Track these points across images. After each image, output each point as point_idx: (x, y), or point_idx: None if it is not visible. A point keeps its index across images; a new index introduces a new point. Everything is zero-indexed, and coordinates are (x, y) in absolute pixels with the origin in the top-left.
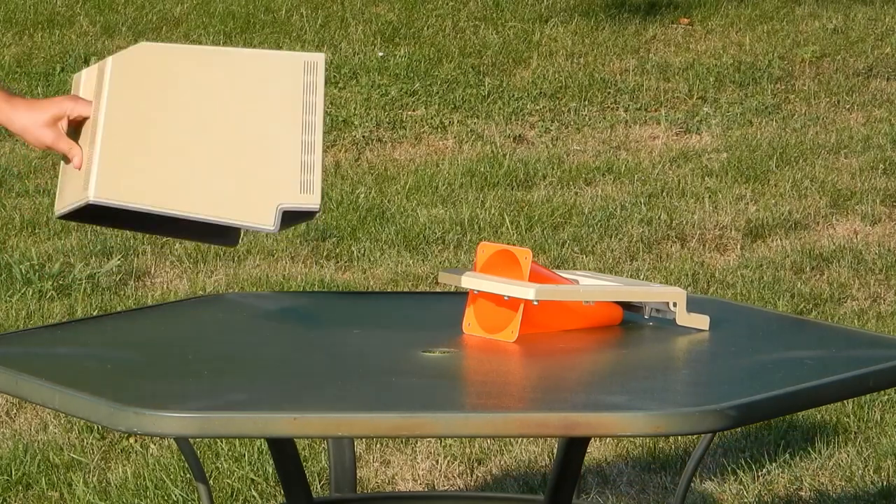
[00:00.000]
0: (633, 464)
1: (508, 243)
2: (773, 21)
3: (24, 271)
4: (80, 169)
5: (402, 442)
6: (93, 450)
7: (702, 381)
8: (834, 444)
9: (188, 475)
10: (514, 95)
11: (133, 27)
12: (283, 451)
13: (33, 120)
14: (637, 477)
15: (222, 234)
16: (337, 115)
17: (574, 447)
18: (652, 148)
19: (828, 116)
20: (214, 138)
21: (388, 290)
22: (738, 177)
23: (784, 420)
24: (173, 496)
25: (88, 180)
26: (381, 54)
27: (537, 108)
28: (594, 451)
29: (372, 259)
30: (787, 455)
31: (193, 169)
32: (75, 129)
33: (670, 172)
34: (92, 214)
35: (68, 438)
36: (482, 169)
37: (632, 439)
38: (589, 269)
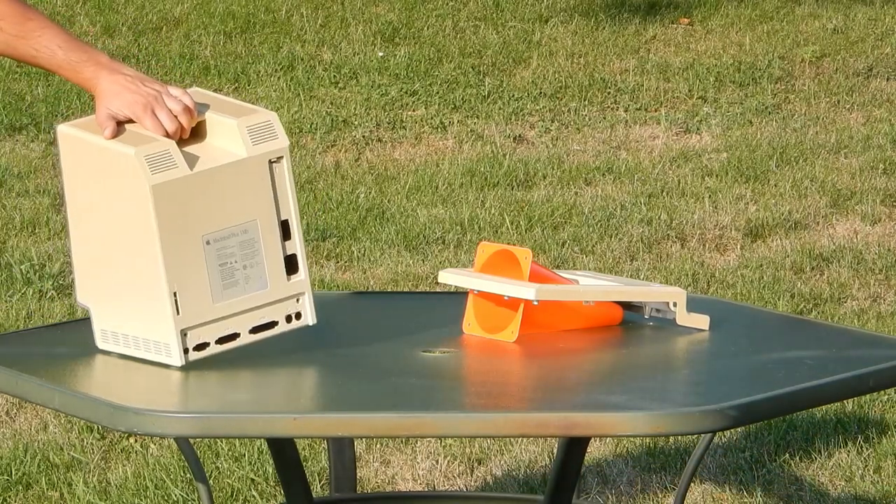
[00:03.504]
0: (633, 464)
1: (508, 243)
2: (773, 21)
3: (24, 271)
4: (109, 138)
5: (402, 442)
6: (93, 450)
7: (702, 381)
8: (834, 444)
9: (188, 475)
10: (514, 95)
11: (133, 27)
12: (283, 451)
13: (106, 104)
14: (637, 477)
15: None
16: (337, 115)
17: (574, 447)
18: (652, 148)
19: (828, 116)
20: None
21: (388, 290)
22: (738, 177)
23: (784, 420)
24: (173, 496)
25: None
26: (381, 54)
27: (537, 108)
28: (594, 451)
29: (372, 259)
30: (787, 455)
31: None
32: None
33: (670, 172)
34: None
35: (68, 438)
36: (482, 169)
37: (632, 439)
38: (589, 269)
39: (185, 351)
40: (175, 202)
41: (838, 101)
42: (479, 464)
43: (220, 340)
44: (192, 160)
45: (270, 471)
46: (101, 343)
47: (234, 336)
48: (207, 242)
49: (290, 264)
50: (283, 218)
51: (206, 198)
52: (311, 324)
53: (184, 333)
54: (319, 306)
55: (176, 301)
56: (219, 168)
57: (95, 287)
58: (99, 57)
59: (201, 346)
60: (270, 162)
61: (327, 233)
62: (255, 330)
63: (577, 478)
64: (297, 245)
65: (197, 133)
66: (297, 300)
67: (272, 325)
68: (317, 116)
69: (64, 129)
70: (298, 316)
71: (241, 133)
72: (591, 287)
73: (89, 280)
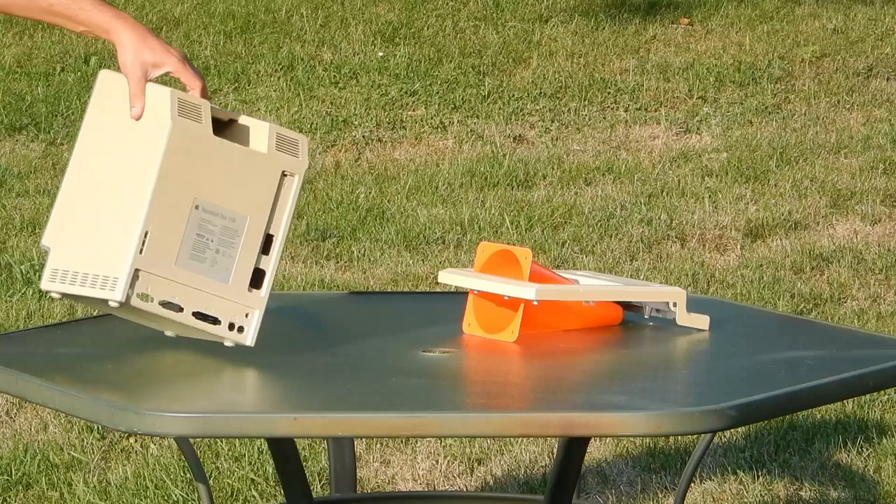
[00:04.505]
0: (633, 464)
1: (508, 243)
2: (773, 21)
3: (24, 271)
4: (137, 118)
5: (402, 442)
6: (93, 450)
7: (702, 381)
8: (834, 444)
9: (188, 475)
10: (514, 95)
11: None
12: (283, 451)
13: (134, 54)
14: (637, 477)
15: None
16: (337, 115)
17: (574, 447)
18: (652, 148)
19: (828, 116)
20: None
21: (388, 290)
22: (738, 177)
23: (784, 420)
24: (173, 496)
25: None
26: (381, 54)
27: (537, 108)
28: (594, 451)
29: (372, 259)
30: (787, 455)
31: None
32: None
33: (670, 172)
34: None
35: (68, 438)
36: (482, 169)
37: (632, 439)
38: (589, 269)
39: (130, 291)
40: (186, 152)
41: (838, 101)
42: (479, 464)
43: (164, 304)
44: (217, 132)
45: (270, 471)
46: (46, 283)
47: (178, 308)
48: (196, 207)
49: (257, 278)
50: (270, 231)
51: (214, 168)
52: (248, 344)
53: (136, 275)
54: (320, 306)
55: (144, 241)
56: (237, 147)
57: (66, 227)
58: (117, 10)
59: (145, 297)
60: (284, 173)
61: (327, 233)
62: (197, 315)
63: (577, 478)
64: (270, 264)
65: (227, 129)
66: (247, 315)
67: (215, 321)
68: (317, 116)
69: (106, 72)
70: (241, 330)
71: (269, 134)
72: (591, 287)
73: (63, 221)
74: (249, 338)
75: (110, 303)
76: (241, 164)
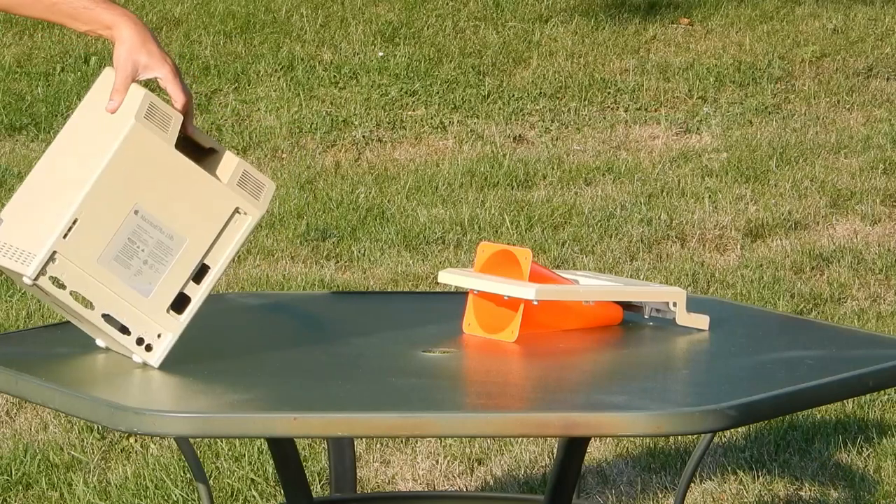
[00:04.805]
0: (633, 464)
1: (508, 243)
2: (773, 21)
3: None
4: (111, 111)
5: (402, 442)
6: (93, 450)
7: (702, 381)
8: (834, 444)
9: (188, 475)
10: (514, 95)
11: None
12: (283, 451)
13: (129, 51)
14: (637, 477)
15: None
16: (337, 115)
17: (574, 447)
18: (652, 148)
19: (828, 116)
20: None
21: (388, 290)
22: (738, 177)
23: (784, 420)
24: (173, 496)
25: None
26: (381, 54)
27: (537, 108)
28: (594, 451)
29: (372, 259)
30: (787, 455)
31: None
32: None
33: (670, 172)
34: None
35: (68, 438)
36: (482, 169)
37: (632, 439)
38: (589, 269)
39: (43, 272)
40: (139, 155)
41: (838, 101)
42: (479, 464)
43: (75, 294)
44: (193, 157)
45: (270, 471)
46: None
47: (89, 304)
48: (136, 212)
49: (181, 303)
50: (207, 262)
51: (165, 180)
52: (152, 364)
53: (53, 257)
54: (320, 306)
55: (71, 228)
56: (194, 168)
57: (22, 205)
58: (122, 8)
59: (56, 282)
60: (237, 210)
61: (327, 233)
62: (107, 318)
63: (577, 478)
64: (198, 293)
65: (204, 157)
66: (159, 335)
67: (125, 330)
68: (317, 116)
69: (110, 69)
70: (149, 348)
71: (234, 169)
72: (591, 287)
73: (22, 199)
74: (155, 358)
75: (24, 278)
76: (194, 185)
